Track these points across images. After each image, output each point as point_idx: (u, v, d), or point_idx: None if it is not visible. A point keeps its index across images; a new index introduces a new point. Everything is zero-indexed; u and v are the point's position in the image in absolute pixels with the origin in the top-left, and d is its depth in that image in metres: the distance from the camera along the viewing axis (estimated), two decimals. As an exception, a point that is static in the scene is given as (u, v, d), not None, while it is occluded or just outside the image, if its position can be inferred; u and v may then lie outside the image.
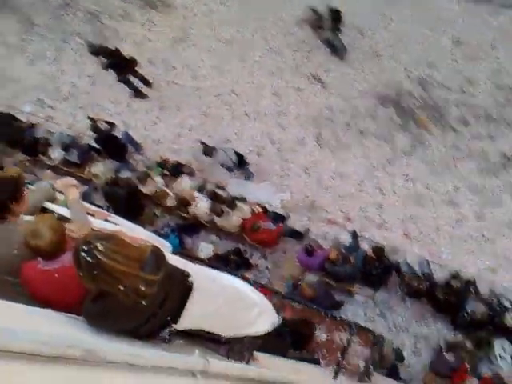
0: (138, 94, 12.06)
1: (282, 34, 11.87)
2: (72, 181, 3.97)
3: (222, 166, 10.30)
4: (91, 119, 10.77)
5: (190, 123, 11.70)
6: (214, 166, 11.01)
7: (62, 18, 13.63)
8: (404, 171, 10.31)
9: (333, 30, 10.59)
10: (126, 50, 12.30)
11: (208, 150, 9.99)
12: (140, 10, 13.13)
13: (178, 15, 12.82)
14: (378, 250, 9.09)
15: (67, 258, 3.11)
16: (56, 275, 3.18)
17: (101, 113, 11.73)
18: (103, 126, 10.74)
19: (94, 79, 12.41)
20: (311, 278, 9.62)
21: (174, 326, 3.09)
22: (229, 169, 10.42)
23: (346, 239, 9.92)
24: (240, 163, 10.41)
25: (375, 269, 8.97)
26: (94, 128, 10.72)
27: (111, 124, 10.93)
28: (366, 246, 9.63)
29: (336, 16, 10.44)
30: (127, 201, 9.90)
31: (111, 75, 11.42)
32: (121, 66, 11.28)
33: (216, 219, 9.86)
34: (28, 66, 13.37)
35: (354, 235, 9.86)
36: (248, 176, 10.93)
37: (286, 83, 11.53)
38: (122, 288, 2.76)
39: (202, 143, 10.12)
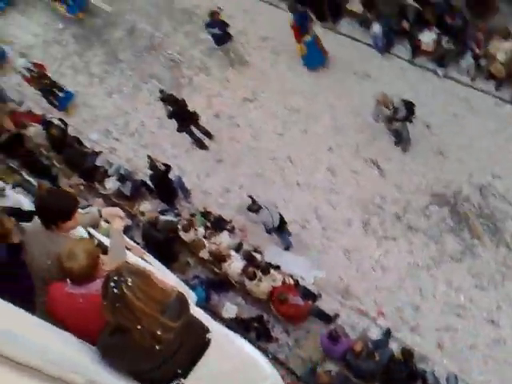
0: (200, 144, 12.43)
1: (350, 114, 12.05)
2: (119, 212, 4.07)
3: (265, 225, 10.29)
4: (150, 158, 11.12)
5: (241, 181, 11.88)
6: (257, 227, 11.05)
7: (145, 59, 14.35)
8: (448, 277, 10.02)
9: (403, 120, 10.67)
10: (197, 101, 12.82)
11: (254, 206, 10.03)
12: (218, 66, 13.67)
13: (252, 76, 13.26)
14: (407, 354, 8.76)
15: (95, 287, 3.17)
16: (80, 300, 3.22)
17: (160, 154, 12.08)
18: (160, 167, 11.06)
19: (161, 122, 12.87)
20: (331, 366, 9.30)
21: (183, 380, 3.04)
22: (268, 231, 10.41)
23: (375, 334, 9.61)
24: (280, 228, 10.41)
25: (400, 372, 8.60)
26: (152, 166, 11.05)
27: (168, 166, 11.25)
28: (394, 346, 9.29)
29: (410, 107, 10.55)
30: (163, 245, 10.02)
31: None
32: (184, 117, 11.75)
33: (246, 282, 9.79)
34: (105, 96, 14.06)
35: (387, 333, 9.55)
36: (287, 246, 10.89)
37: (343, 162, 11.61)
38: (139, 327, 2.77)
39: (251, 197, 10.19)
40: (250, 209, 10.12)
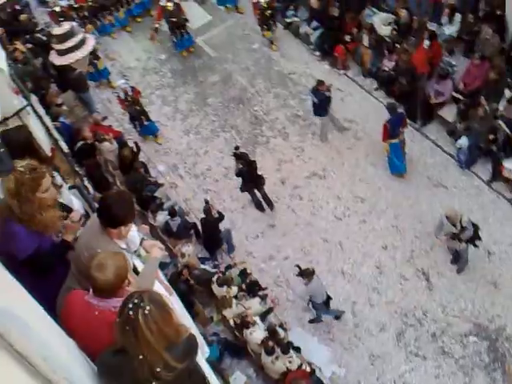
0: (258, 206, 12.72)
1: (414, 219, 12.05)
2: (160, 244, 4.29)
3: (312, 297, 10.24)
4: (207, 202, 11.49)
5: (287, 253, 12.01)
6: (290, 303, 11.05)
7: (231, 109, 15.03)
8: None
9: (467, 242, 10.56)
10: (268, 162, 13.28)
11: (308, 271, 10.03)
12: (298, 135, 14.11)
13: (328, 154, 13.56)
14: None
15: (114, 304, 3.30)
16: (96, 313, 3.34)
17: (217, 203, 12.47)
18: (214, 214, 11.38)
19: (227, 172, 13.38)
20: None
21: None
22: (315, 305, 10.38)
23: None
24: (326, 304, 10.48)
25: None
26: (206, 210, 11.42)
27: (221, 215, 11.59)
28: None
29: (477, 231, 10.47)
30: (184, 296, 10.11)
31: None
32: (251, 179, 12.16)
33: (263, 355, 9.74)
34: (182, 133, 14.79)
35: None
36: (338, 316, 10.89)
37: (394, 264, 11.56)
38: (141, 357, 2.85)
39: (298, 267, 10.26)
40: (302, 274, 10.09)
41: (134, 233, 4.30)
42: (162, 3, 15.72)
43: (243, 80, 15.71)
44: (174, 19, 15.87)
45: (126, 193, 4.59)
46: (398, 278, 11.39)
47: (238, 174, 12.16)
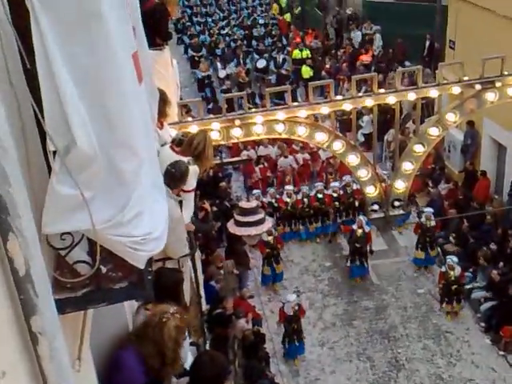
0: None
1: None
2: None
3: None
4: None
5: None
6: None
7: (375, 340, 14.52)
8: None
9: None
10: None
11: None
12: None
13: None
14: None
15: None
16: None
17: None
18: None
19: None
20: None
21: None
22: None
23: None
24: None
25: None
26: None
27: None
28: None
29: None
30: None
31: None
32: None
33: None
34: (316, 342, 14.56)
35: None
36: None
37: None
38: None
39: None
40: None
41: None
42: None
43: (397, 318, 15.28)
44: (358, 245, 16.01)
45: (220, 357, 4.51)
46: None
47: None
